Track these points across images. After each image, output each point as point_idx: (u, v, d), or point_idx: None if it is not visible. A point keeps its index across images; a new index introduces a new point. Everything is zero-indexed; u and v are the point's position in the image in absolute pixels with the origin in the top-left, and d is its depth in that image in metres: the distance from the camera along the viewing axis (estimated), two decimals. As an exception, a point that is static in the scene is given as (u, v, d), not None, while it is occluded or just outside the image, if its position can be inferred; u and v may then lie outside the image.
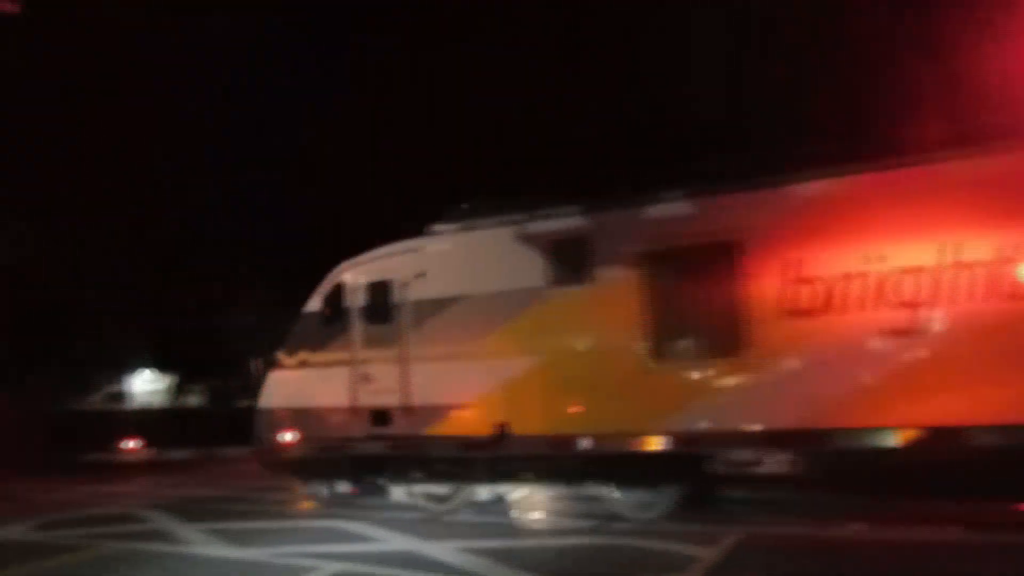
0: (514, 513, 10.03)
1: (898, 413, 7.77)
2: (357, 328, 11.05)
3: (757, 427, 8.43)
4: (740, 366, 8.52)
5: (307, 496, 11.10)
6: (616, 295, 9.19)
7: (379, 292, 10.91)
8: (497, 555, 7.37)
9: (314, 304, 11.56)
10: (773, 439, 8.40)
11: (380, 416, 10.71)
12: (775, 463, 8.81)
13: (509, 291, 9.92)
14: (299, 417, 11.44)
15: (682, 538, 7.76)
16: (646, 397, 8.93)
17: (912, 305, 7.76)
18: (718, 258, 8.63)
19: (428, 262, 10.66)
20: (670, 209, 9.18)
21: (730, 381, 8.63)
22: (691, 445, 8.81)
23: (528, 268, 9.81)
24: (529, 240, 9.90)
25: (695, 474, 9.20)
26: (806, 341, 8.21)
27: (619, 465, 9.27)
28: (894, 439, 7.78)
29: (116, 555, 8.21)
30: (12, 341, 23.13)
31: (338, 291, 11.31)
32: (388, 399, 10.62)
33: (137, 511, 10.74)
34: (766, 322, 8.34)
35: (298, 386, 11.51)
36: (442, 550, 7.74)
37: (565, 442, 9.33)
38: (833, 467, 8.44)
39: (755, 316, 8.41)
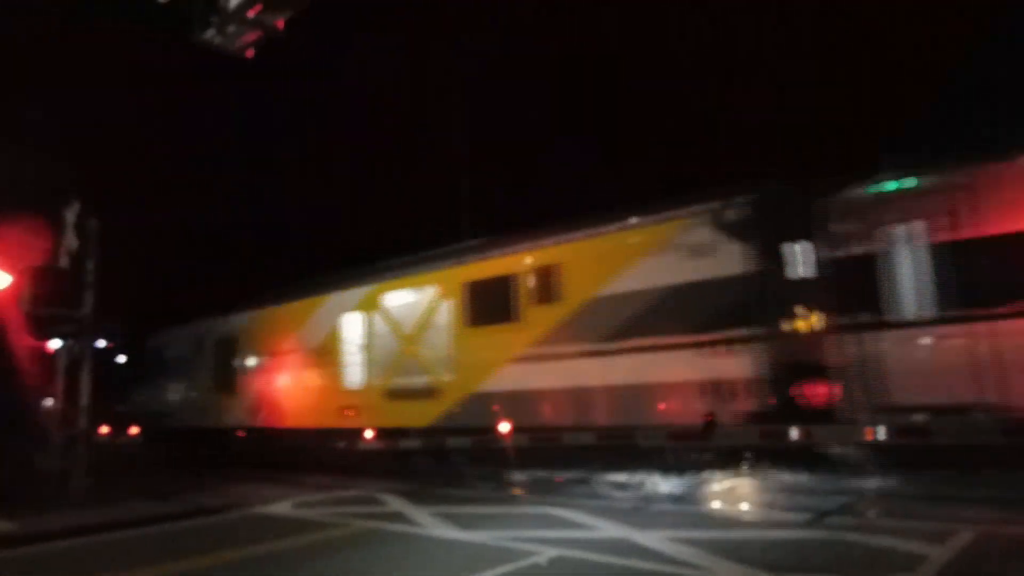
0: (722, 503, 10.12)
1: (283, 420, 17.51)
2: (197, 361, 22.79)
3: (246, 424, 18.83)
4: (237, 395, 18.94)
5: (517, 484, 12.54)
6: (209, 359, 20.32)
7: (196, 343, 22.62)
8: (710, 545, 7.28)
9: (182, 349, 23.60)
10: (250, 430, 18.82)
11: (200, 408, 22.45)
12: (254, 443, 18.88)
13: (217, 362, 20.89)
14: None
15: (909, 534, 7.43)
16: (221, 409, 19.67)
17: (284, 369, 17.53)
18: (231, 343, 19.30)
19: (206, 334, 22.07)
20: (232, 319, 19.89)
21: (235, 402, 19.04)
22: (235, 431, 19.49)
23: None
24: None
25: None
26: (260, 385, 18.27)
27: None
28: (289, 435, 17.68)
29: (364, 533, 8.86)
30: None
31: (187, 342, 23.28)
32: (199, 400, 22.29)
33: (377, 494, 11.72)
34: (248, 374, 18.65)
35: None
36: (654, 539, 7.70)
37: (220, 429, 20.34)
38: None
39: (244, 370, 18.77)
